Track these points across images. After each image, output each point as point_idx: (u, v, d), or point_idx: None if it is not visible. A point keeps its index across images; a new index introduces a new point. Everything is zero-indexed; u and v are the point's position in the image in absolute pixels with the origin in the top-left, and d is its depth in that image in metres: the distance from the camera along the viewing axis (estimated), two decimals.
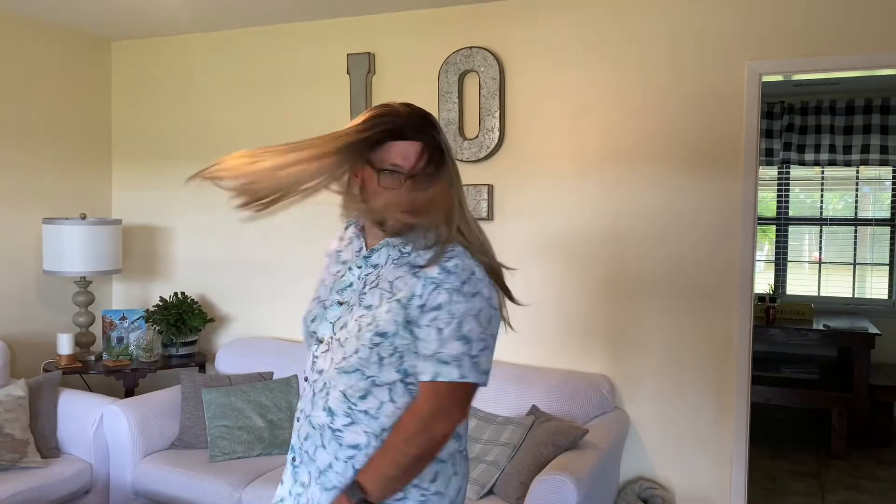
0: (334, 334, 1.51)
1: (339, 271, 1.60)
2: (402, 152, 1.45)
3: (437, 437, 1.43)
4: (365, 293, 1.50)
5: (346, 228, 1.67)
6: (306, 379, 1.56)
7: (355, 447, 1.46)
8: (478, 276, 1.47)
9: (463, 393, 1.44)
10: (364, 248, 1.58)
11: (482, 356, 1.45)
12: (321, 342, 1.54)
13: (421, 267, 1.45)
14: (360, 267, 1.56)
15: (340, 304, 1.54)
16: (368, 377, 1.46)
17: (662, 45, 3.26)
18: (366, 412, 1.46)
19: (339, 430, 1.47)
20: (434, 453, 1.46)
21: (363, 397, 1.46)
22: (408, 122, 1.47)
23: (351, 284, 1.55)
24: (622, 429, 3.23)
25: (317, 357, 1.54)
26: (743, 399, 3.17)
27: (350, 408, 1.46)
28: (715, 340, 3.22)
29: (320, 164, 1.39)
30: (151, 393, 3.57)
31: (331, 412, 1.48)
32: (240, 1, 3.59)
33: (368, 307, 1.48)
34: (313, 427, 1.51)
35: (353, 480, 1.45)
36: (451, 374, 1.41)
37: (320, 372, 1.52)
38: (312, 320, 1.57)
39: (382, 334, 1.44)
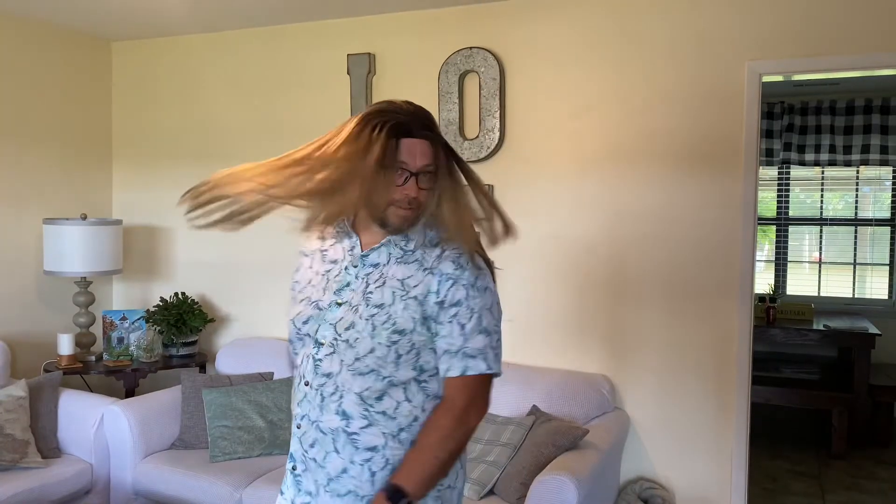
0: (339, 335, 1.47)
1: (329, 271, 1.56)
2: (409, 150, 1.44)
3: (472, 430, 1.49)
4: (371, 292, 1.48)
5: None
6: (307, 384, 1.50)
7: (372, 449, 1.46)
8: (484, 270, 1.51)
9: (488, 383, 1.50)
10: (358, 247, 1.54)
11: (499, 347, 1.51)
12: (321, 345, 1.49)
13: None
14: (356, 266, 1.52)
15: (339, 304, 1.50)
16: (385, 377, 1.45)
17: (663, 46, 3.26)
18: (383, 413, 1.46)
19: (356, 434, 1.46)
20: (466, 446, 1.50)
21: (380, 398, 1.46)
22: (413, 119, 1.46)
23: (349, 284, 1.51)
24: (622, 429, 3.23)
25: (320, 360, 1.49)
26: (743, 399, 3.17)
27: (367, 410, 1.45)
28: (715, 340, 3.22)
29: (355, 190, 1.39)
30: (152, 393, 3.57)
31: (346, 415, 1.46)
32: (240, 1, 3.59)
33: (380, 305, 1.46)
34: (322, 433, 1.47)
35: (388, 484, 1.44)
36: (478, 367, 1.46)
37: (328, 375, 1.47)
38: (304, 322, 1.52)
39: (401, 331, 1.45)
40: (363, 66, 3.75)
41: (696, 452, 3.26)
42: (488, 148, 3.52)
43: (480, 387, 1.48)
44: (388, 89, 3.73)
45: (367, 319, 1.45)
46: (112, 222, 3.94)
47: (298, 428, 1.51)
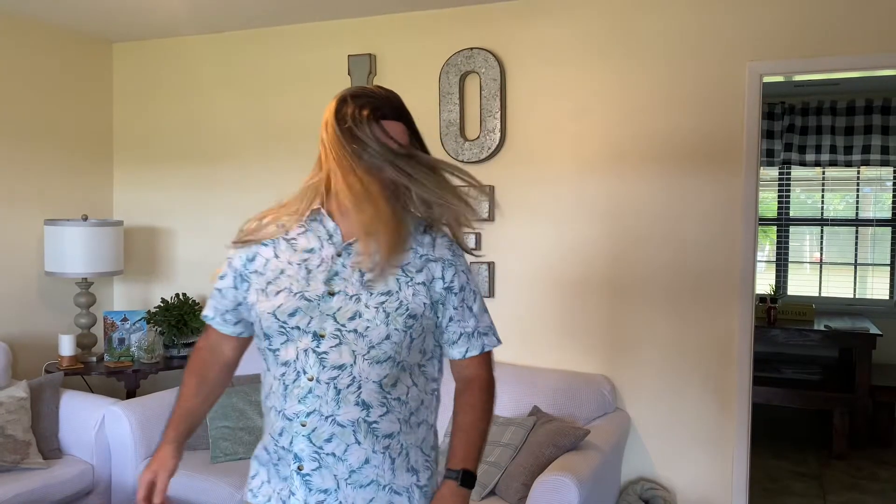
0: (343, 326, 1.45)
1: (306, 260, 1.50)
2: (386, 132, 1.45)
3: (495, 397, 1.62)
4: (371, 281, 1.47)
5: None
6: (311, 378, 1.45)
7: (390, 436, 1.48)
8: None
9: (493, 355, 1.65)
10: (339, 235, 1.50)
11: None
12: (321, 337, 1.45)
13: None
14: (340, 255, 1.49)
15: (332, 294, 1.47)
16: (399, 363, 1.48)
17: (663, 47, 3.26)
18: (398, 399, 1.49)
19: (376, 422, 1.47)
20: None
21: (395, 385, 1.48)
22: (386, 103, 1.46)
23: (337, 273, 1.48)
24: (623, 429, 3.23)
25: (325, 353, 1.45)
26: (744, 400, 3.17)
27: (385, 397, 1.47)
28: (716, 341, 3.22)
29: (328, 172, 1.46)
30: (153, 394, 3.57)
31: (365, 405, 1.45)
32: (241, 2, 3.59)
33: (387, 293, 1.47)
34: (341, 426, 1.45)
35: (453, 471, 1.52)
36: (492, 342, 1.61)
37: (340, 367, 1.44)
38: (291, 315, 1.46)
39: (414, 316, 1.48)
40: (364, 67, 3.75)
41: (697, 453, 3.26)
42: (489, 149, 3.53)
43: (492, 358, 1.63)
44: None
45: (376, 307, 1.45)
46: (113, 223, 3.95)
47: (304, 426, 1.46)
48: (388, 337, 1.45)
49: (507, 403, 3.24)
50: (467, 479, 1.52)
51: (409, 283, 1.49)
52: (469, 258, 3.44)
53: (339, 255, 1.50)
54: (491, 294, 3.57)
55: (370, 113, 1.43)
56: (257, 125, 4.09)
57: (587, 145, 3.40)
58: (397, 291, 1.47)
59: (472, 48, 3.53)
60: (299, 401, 1.46)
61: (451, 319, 1.55)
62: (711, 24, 3.18)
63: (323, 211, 1.53)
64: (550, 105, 3.46)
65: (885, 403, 4.84)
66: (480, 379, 1.58)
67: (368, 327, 1.45)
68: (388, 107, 1.46)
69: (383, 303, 1.46)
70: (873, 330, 4.79)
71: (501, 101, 3.50)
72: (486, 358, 1.60)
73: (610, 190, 3.37)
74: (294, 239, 1.53)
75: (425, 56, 3.66)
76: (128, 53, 4.43)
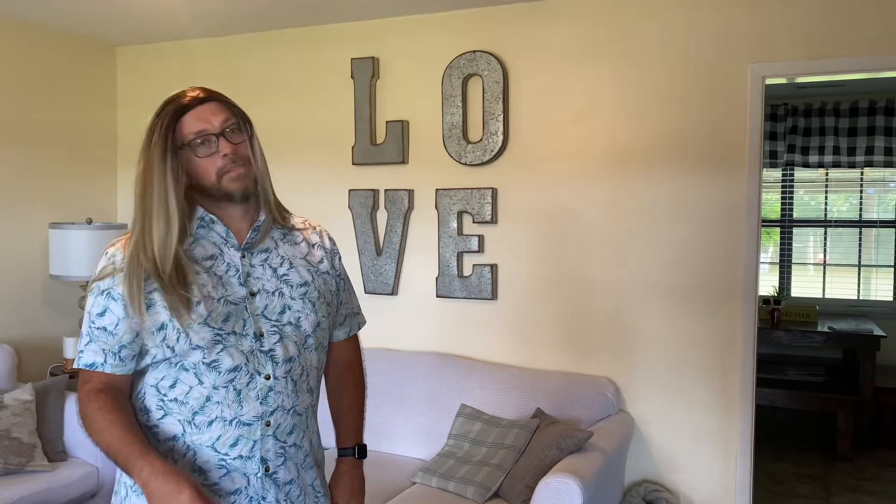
0: (278, 321, 1.48)
1: (211, 267, 1.45)
2: (198, 117, 1.45)
3: None
4: (287, 275, 1.52)
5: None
6: (268, 377, 1.45)
7: (315, 414, 1.60)
8: None
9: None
10: (233, 236, 1.49)
11: None
12: (261, 336, 1.45)
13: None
14: (244, 256, 1.49)
15: (253, 294, 1.47)
16: (324, 346, 1.59)
17: (665, 49, 3.26)
18: (321, 380, 1.62)
19: (314, 405, 1.58)
20: None
21: (322, 367, 1.62)
22: (190, 97, 1.46)
23: (249, 274, 1.48)
24: (627, 431, 3.23)
25: (272, 350, 1.46)
26: (748, 401, 3.17)
27: (318, 380, 1.59)
28: (719, 343, 3.22)
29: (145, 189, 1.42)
30: None
31: (311, 390, 1.55)
32: (244, 6, 3.61)
33: (305, 284, 1.54)
34: (299, 415, 1.52)
35: (352, 448, 1.69)
36: (364, 319, 1.77)
37: (290, 360, 1.48)
38: (225, 321, 1.42)
39: (329, 303, 1.59)
40: (367, 71, 3.76)
41: (700, 455, 3.26)
42: (492, 151, 3.53)
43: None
44: (391, 93, 3.74)
45: (300, 299, 1.52)
46: (117, 226, 3.96)
47: (268, 425, 1.45)
48: (318, 325, 1.54)
49: (511, 406, 3.24)
50: (363, 451, 1.70)
51: (318, 273, 1.58)
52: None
53: (243, 256, 1.50)
54: (494, 296, 3.57)
55: (178, 109, 1.44)
56: (260, 128, 4.04)
57: (589, 147, 3.41)
58: (312, 282, 1.55)
59: (474, 51, 3.53)
60: (260, 402, 1.44)
61: (342, 303, 1.67)
62: (713, 26, 3.18)
63: (210, 216, 1.49)
64: (553, 107, 3.47)
65: (888, 405, 4.83)
66: (358, 360, 1.74)
67: (300, 318, 1.51)
68: (192, 99, 1.46)
69: (305, 294, 1.53)
70: (877, 331, 4.78)
71: (504, 103, 3.50)
72: (357, 339, 1.75)
73: (612, 192, 3.37)
74: (187, 250, 1.44)
75: (428, 59, 3.67)
76: (131, 57, 4.44)
